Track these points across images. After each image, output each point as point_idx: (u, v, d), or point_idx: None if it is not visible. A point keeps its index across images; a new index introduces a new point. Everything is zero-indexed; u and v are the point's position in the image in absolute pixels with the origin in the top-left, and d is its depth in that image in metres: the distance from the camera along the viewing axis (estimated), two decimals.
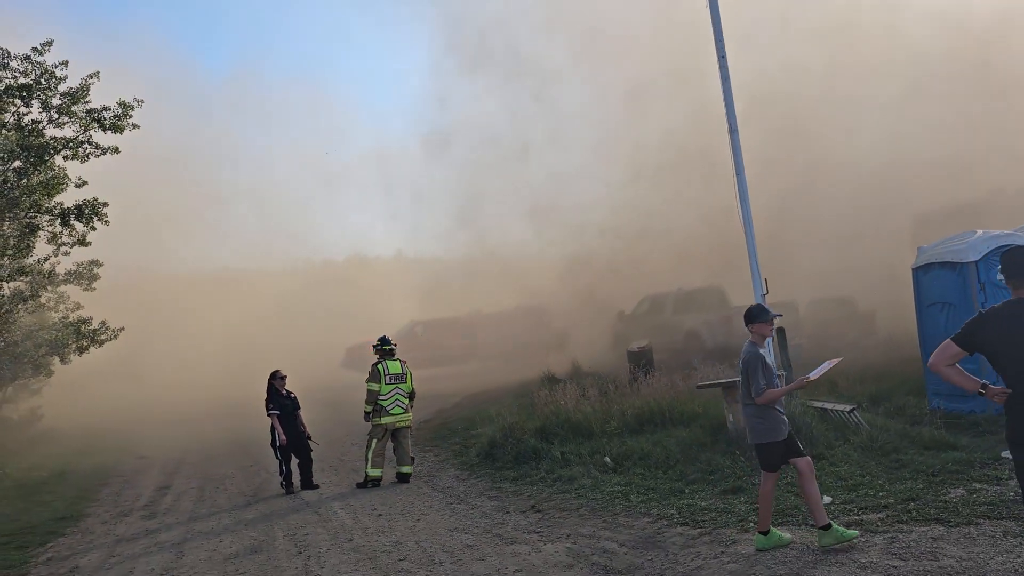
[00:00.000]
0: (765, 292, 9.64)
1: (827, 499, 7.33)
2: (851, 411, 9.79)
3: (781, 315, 6.54)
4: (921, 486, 7.41)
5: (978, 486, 7.20)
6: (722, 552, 6.39)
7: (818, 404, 10.30)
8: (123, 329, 15.95)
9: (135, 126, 16.17)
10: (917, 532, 6.19)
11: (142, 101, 16.08)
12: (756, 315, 6.64)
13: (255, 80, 73.10)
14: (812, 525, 6.66)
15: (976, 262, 10.40)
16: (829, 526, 6.07)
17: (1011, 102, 26.32)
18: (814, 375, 6.38)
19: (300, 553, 7.90)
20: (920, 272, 11.36)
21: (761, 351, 6.49)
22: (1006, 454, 8.16)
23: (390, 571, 6.97)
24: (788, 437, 6.35)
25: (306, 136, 71.94)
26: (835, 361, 6.56)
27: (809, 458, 6.39)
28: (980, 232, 10.87)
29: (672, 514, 7.65)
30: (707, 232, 26.19)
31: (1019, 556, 5.44)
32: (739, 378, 10.25)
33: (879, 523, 6.53)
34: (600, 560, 6.62)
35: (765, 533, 6.31)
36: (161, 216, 41.37)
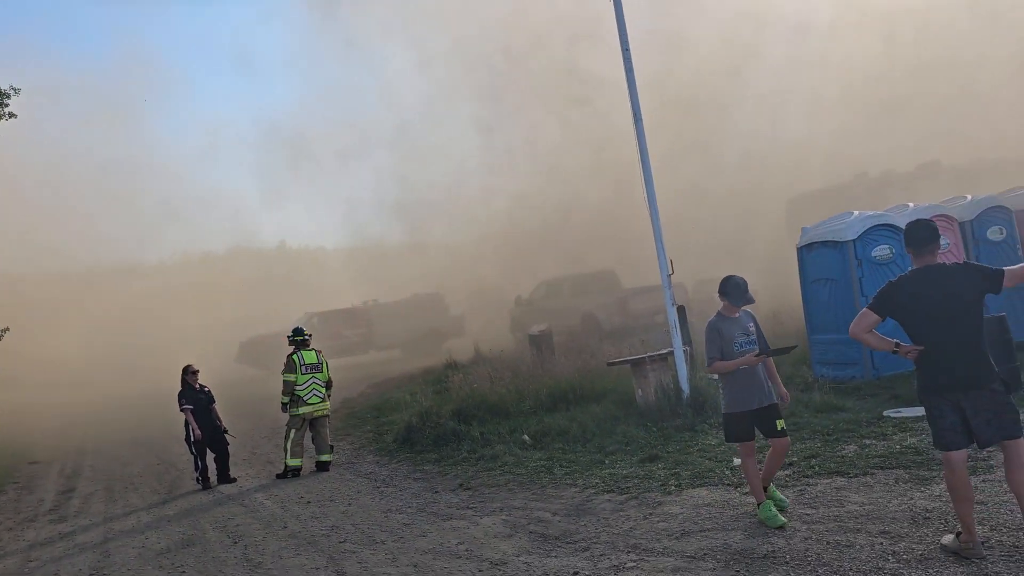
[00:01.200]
0: (671, 272, 10.24)
1: (737, 461, 7.97)
2: None
3: (754, 301, 6.46)
4: (819, 444, 8.16)
5: (868, 442, 8.00)
6: (651, 513, 6.89)
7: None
8: (7, 330, 15.12)
9: (12, 115, 15.36)
10: (822, 484, 6.88)
11: (19, 89, 15.28)
12: (724, 291, 6.44)
13: (130, 72, 69.54)
14: (728, 484, 7.30)
15: (854, 241, 11.38)
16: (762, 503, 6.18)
17: (862, 93, 28.41)
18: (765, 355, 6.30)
19: (236, 543, 7.92)
20: (804, 251, 12.29)
21: (720, 321, 6.34)
22: (888, 413, 9.09)
23: (334, 553, 7.13)
24: (764, 409, 6.25)
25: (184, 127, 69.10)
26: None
27: (787, 439, 6.37)
28: (856, 213, 11.89)
29: (597, 483, 8.12)
30: (598, 218, 27.11)
31: (912, 499, 6.16)
32: (646, 355, 10.92)
33: (787, 478, 7.20)
34: (537, 528, 7.00)
35: (760, 505, 6.22)
36: (36, 211, 39.17)
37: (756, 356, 6.24)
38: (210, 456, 11.28)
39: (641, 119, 10.15)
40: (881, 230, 11.54)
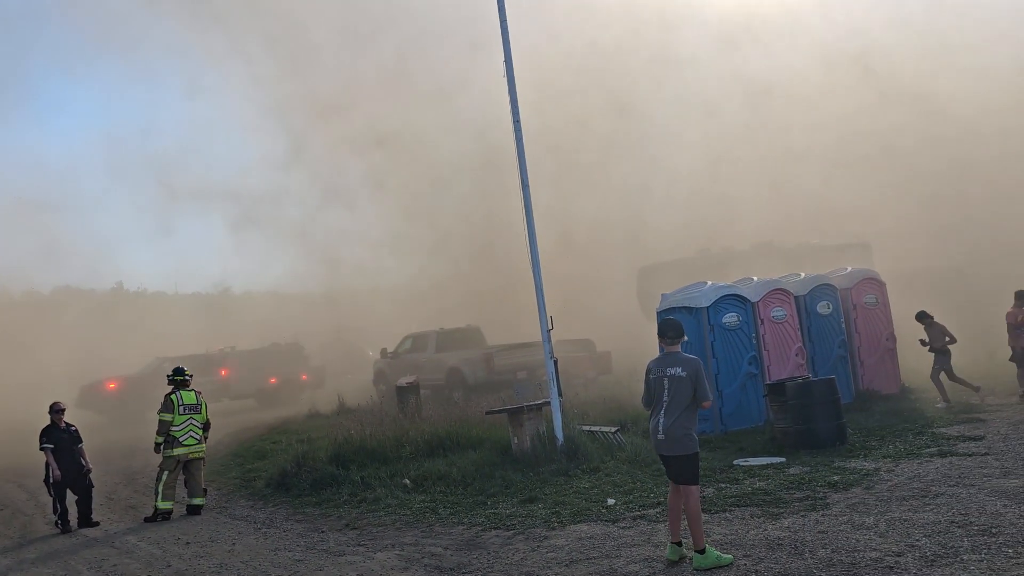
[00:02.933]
0: (551, 327, 11.05)
1: (611, 501, 8.75)
2: (615, 432, 11.46)
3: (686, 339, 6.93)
4: None
5: (723, 485, 8.99)
6: (538, 546, 7.49)
7: (586, 427, 11.86)
8: None
9: None
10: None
11: None
12: (683, 332, 6.81)
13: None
14: (606, 520, 8.02)
15: (707, 308, 12.68)
16: (704, 549, 6.29)
17: (697, 175, 31.20)
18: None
19: None
20: (662, 315, 13.47)
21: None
22: (737, 461, 10.18)
23: None
24: None
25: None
26: None
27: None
28: (710, 283, 13.24)
29: (482, 521, 8.64)
30: (463, 276, 27.98)
31: (765, 531, 7.10)
32: (524, 404, 11.59)
33: (657, 515, 8.01)
34: (431, 562, 7.42)
35: (702, 551, 6.27)
36: None
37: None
38: (71, 498, 10.87)
39: (528, 185, 11.02)
40: (730, 299, 12.92)
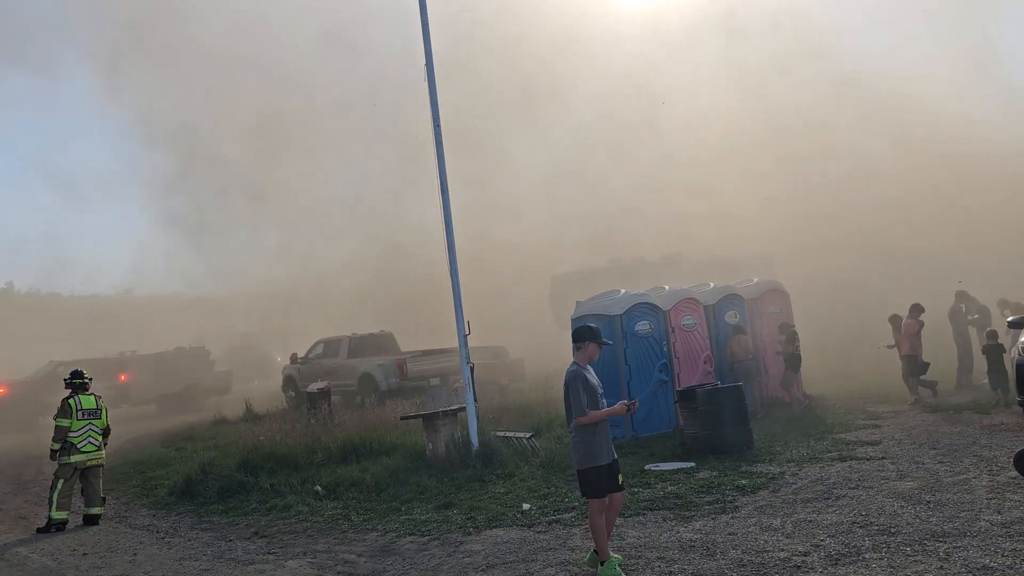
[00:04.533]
0: (468, 332, 11.04)
1: (526, 506, 8.79)
2: (529, 438, 11.53)
3: (610, 343, 6.72)
4: None
5: (636, 489, 9.14)
6: (454, 551, 7.45)
7: (501, 433, 11.90)
8: None
9: None
10: None
11: None
12: (585, 335, 6.41)
13: None
14: (522, 525, 8.06)
15: (621, 315, 12.92)
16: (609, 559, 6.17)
17: (623, 194, 31.86)
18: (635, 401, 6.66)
19: None
20: (577, 322, 13.62)
21: (584, 371, 6.28)
22: (649, 466, 10.38)
23: None
24: (611, 464, 6.26)
25: None
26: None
27: (624, 494, 6.47)
28: (623, 291, 13.50)
29: (397, 527, 8.54)
30: (375, 279, 27.67)
31: (678, 533, 7.26)
32: (440, 410, 11.55)
33: (572, 520, 8.09)
34: (344, 569, 7.29)
35: (604, 563, 6.15)
36: None
37: (628, 404, 6.32)
38: None
39: (447, 189, 11.01)
40: (643, 307, 13.20)
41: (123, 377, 24.73)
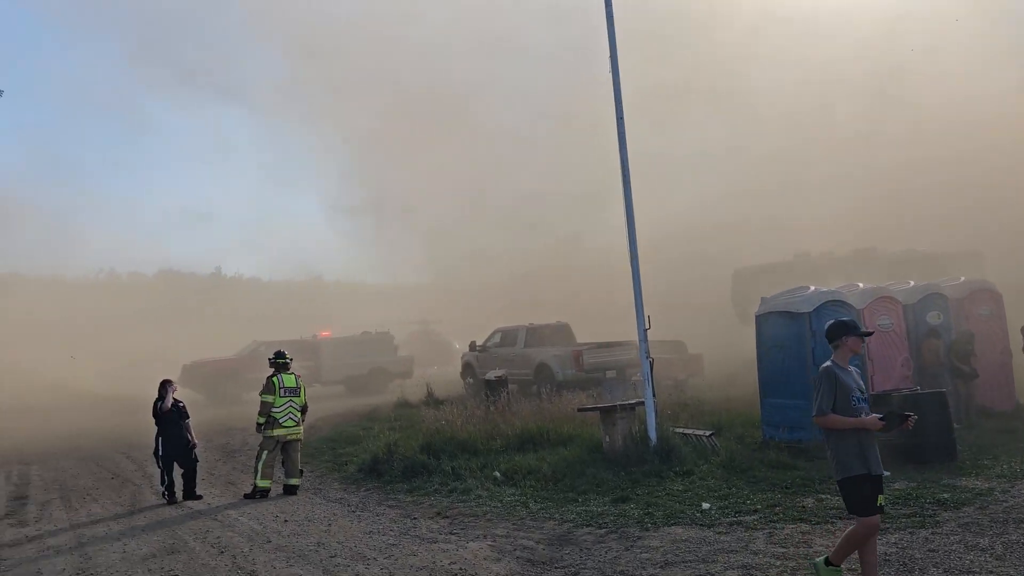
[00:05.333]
0: (648, 327, 10.90)
1: (706, 505, 8.57)
2: (709, 436, 11.23)
3: (872, 333, 6.04)
4: (779, 495, 8.81)
5: (823, 496, 8.69)
6: (632, 545, 7.40)
7: (679, 429, 11.68)
8: None
9: None
10: (789, 528, 7.51)
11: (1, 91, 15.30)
12: (840, 331, 5.79)
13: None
14: (701, 524, 7.87)
15: (809, 313, 12.27)
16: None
17: (810, 183, 30.28)
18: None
19: (222, 553, 8.10)
20: (762, 319, 13.12)
21: (838, 370, 5.66)
22: None
23: (327, 566, 7.40)
24: (874, 478, 5.52)
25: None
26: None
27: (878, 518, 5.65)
28: (812, 288, 12.82)
29: (574, 518, 8.59)
30: (554, 271, 27.95)
31: (881, 545, 6.81)
32: (617, 403, 11.51)
33: (755, 523, 7.81)
34: (523, 555, 7.42)
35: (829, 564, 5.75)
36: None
37: (881, 420, 5.54)
38: (177, 471, 11.34)
39: (629, 182, 10.90)
40: (833, 305, 12.44)
41: (316, 358, 26.36)
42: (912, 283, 13.89)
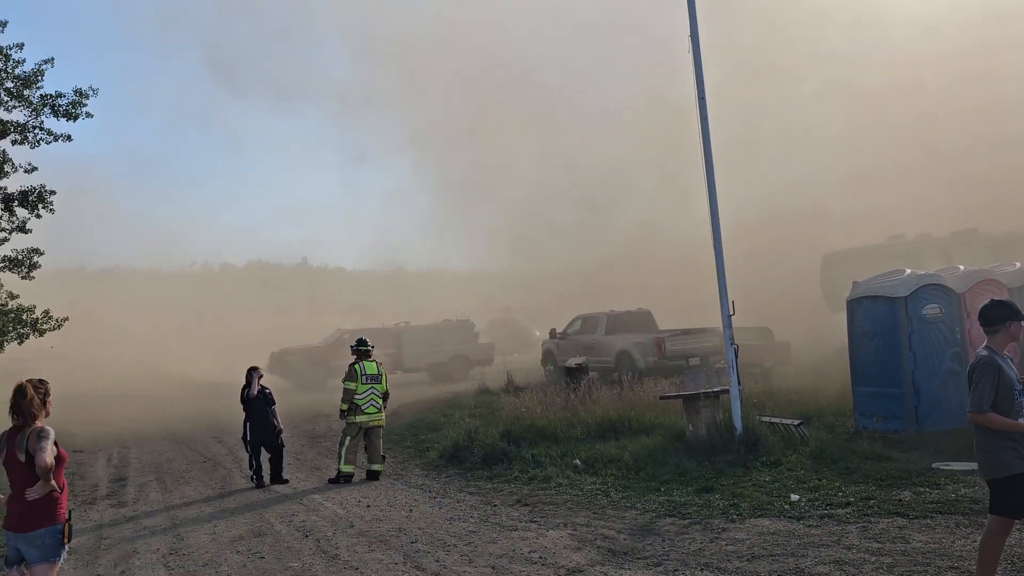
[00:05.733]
0: (732, 313, 10.57)
1: (795, 496, 8.26)
2: (798, 425, 10.84)
3: None
4: (873, 488, 8.41)
5: (922, 489, 8.25)
6: (716, 537, 7.17)
7: (766, 418, 11.31)
8: (67, 319, 15.64)
9: (89, 115, 15.99)
10: (884, 523, 7.15)
11: (97, 89, 15.89)
12: (1001, 315, 5.20)
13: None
14: (790, 517, 7.57)
15: (905, 298, 11.70)
16: None
17: (905, 161, 28.94)
18: None
19: (307, 536, 8.24)
20: (854, 304, 12.58)
21: (998, 359, 5.11)
22: (937, 465, 9.33)
23: (408, 552, 7.43)
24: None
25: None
26: None
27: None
28: (908, 271, 12.22)
29: (656, 508, 8.40)
30: (634, 259, 27.58)
31: (974, 541, 6.42)
32: (700, 391, 11.22)
33: (848, 516, 7.47)
34: (604, 544, 7.28)
35: None
36: (102, 209, 40.72)
37: None
38: (264, 456, 11.61)
39: (712, 165, 10.58)
40: (931, 289, 11.85)
41: (399, 346, 26.71)
42: (1019, 264, 13.08)
